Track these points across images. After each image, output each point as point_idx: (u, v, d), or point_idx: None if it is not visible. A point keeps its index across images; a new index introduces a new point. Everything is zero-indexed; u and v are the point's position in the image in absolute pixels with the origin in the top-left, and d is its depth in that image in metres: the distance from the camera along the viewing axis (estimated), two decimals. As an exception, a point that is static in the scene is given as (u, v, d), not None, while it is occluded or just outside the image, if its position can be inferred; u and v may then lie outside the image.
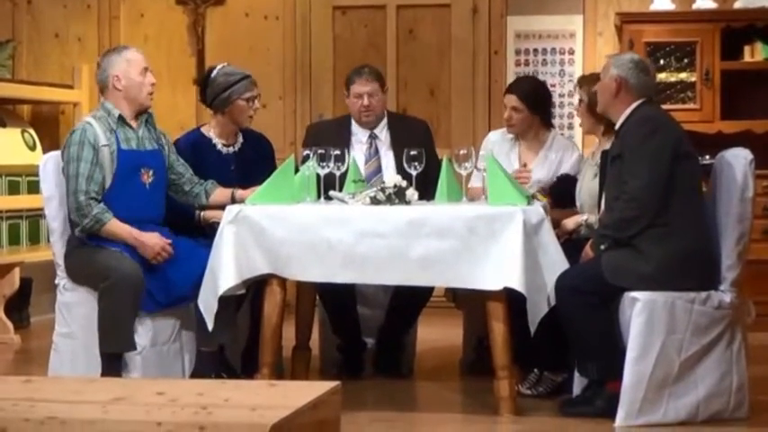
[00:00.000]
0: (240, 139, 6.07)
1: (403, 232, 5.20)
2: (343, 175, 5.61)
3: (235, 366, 5.76)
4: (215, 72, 5.99)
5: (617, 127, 5.33)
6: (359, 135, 6.24)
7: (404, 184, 5.36)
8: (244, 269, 5.31)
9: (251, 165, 5.91)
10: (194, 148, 5.96)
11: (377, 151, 6.21)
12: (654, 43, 7.95)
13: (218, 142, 6.03)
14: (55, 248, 5.62)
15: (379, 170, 6.16)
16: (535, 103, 6.09)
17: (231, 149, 6.04)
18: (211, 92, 5.96)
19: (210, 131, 6.05)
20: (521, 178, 5.82)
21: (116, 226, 5.41)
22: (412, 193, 5.37)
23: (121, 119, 5.54)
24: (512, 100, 6.11)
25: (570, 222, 5.73)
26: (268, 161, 6.00)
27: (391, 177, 5.49)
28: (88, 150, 5.41)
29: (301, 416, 3.41)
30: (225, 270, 5.28)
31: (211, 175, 5.81)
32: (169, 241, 5.43)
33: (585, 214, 5.72)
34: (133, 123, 5.60)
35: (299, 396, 3.51)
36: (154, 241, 5.40)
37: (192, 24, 8.90)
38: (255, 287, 5.56)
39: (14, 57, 8.95)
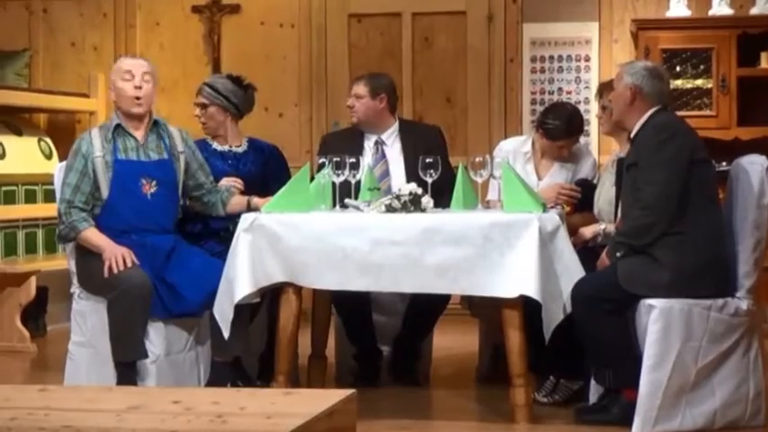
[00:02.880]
0: (244, 146, 6.13)
1: (418, 240, 5.19)
2: (358, 183, 5.61)
3: (251, 374, 5.75)
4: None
5: (632, 135, 5.31)
6: (369, 139, 6.26)
7: (419, 191, 5.36)
8: (259, 277, 5.31)
9: (249, 168, 5.97)
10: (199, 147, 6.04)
11: (384, 155, 6.22)
12: (670, 50, 7.93)
13: (214, 142, 6.11)
14: (70, 257, 5.63)
15: (386, 174, 6.17)
16: (579, 133, 6.12)
17: (228, 148, 6.08)
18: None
19: (209, 138, 6.17)
20: (562, 197, 5.80)
21: (92, 234, 5.42)
22: (427, 201, 5.36)
23: (119, 128, 5.54)
24: (563, 142, 6.06)
25: (588, 231, 5.72)
26: (273, 170, 6.00)
27: (405, 185, 5.48)
28: (79, 161, 5.45)
29: (317, 424, 3.40)
30: (240, 278, 5.28)
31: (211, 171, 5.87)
32: (130, 259, 5.35)
33: (603, 223, 5.71)
34: (138, 133, 5.59)
35: (315, 404, 3.51)
36: (118, 250, 5.35)
37: (208, 33, 8.92)
38: (272, 295, 5.56)
39: (31, 65, 8.98)
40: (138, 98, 5.55)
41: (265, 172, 5.93)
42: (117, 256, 5.32)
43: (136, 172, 5.50)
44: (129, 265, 5.32)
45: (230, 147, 6.09)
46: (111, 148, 5.49)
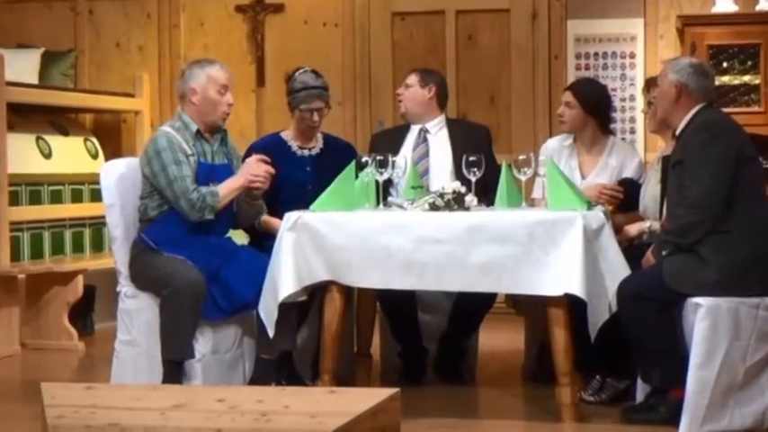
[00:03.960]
0: (320, 144, 6.14)
1: (462, 238, 5.18)
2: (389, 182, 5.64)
3: (302, 374, 5.75)
4: (296, 74, 6.11)
5: (678, 132, 5.28)
6: (413, 130, 6.29)
7: (463, 189, 5.35)
8: (303, 276, 5.32)
9: (328, 170, 5.88)
10: (268, 150, 6.00)
11: (425, 140, 6.22)
12: (716, 46, 7.86)
13: (294, 144, 6.09)
14: (117, 256, 5.66)
15: (425, 155, 6.19)
16: (589, 102, 6.03)
17: (307, 152, 6.09)
18: (287, 91, 6.11)
19: (288, 134, 6.15)
20: (604, 196, 5.77)
21: (223, 188, 5.51)
22: (471, 199, 5.35)
23: (198, 133, 5.58)
24: (566, 95, 6.10)
25: (633, 229, 5.69)
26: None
27: (449, 183, 5.47)
28: (180, 154, 5.48)
29: (361, 423, 3.41)
30: (284, 277, 5.29)
31: (286, 176, 5.86)
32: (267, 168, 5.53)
33: (648, 221, 5.67)
34: (211, 138, 5.64)
35: (359, 403, 3.51)
36: (251, 163, 5.53)
37: (252, 32, 8.94)
38: (323, 294, 5.56)
39: (76, 66, 9.03)
40: (227, 114, 5.65)
41: (341, 171, 5.88)
42: (254, 171, 5.48)
43: (210, 175, 5.54)
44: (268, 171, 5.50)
45: (308, 149, 6.09)
46: (195, 150, 5.54)
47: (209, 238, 5.56)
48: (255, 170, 5.53)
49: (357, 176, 5.54)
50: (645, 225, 5.67)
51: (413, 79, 6.27)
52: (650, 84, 5.93)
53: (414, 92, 6.24)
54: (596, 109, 6.06)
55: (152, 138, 5.61)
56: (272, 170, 5.54)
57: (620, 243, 5.40)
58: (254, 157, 5.60)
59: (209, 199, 5.46)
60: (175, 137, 5.51)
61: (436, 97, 6.25)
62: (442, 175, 6.00)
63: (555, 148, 6.18)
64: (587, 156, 6.11)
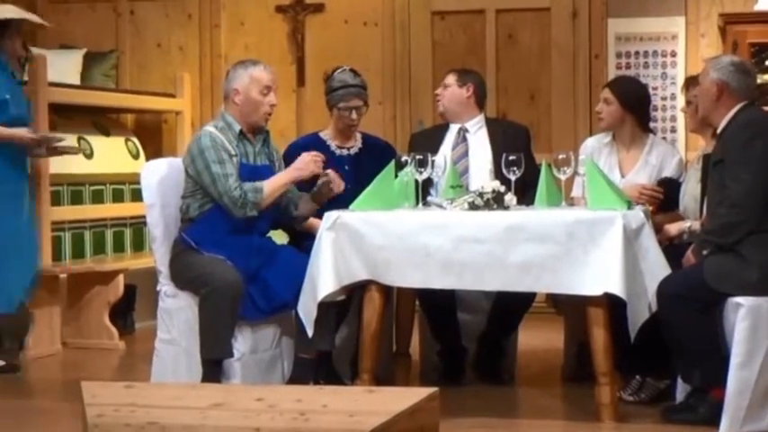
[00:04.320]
0: (359, 144, 6.16)
1: (502, 238, 5.18)
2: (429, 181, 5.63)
3: (341, 373, 5.76)
4: (334, 73, 6.14)
5: (719, 131, 5.25)
6: (452, 130, 6.28)
7: (502, 189, 5.34)
8: (342, 275, 5.33)
9: (367, 169, 5.89)
10: (307, 149, 6.01)
11: (465, 139, 6.21)
12: (759, 44, 7.80)
13: (333, 143, 6.11)
14: (157, 255, 5.69)
15: (465, 155, 6.18)
16: (627, 99, 6.01)
17: (346, 151, 6.10)
18: (326, 90, 6.15)
19: (327, 133, 6.17)
20: (644, 196, 5.74)
21: (271, 183, 5.54)
22: (510, 198, 5.34)
23: (242, 133, 5.60)
24: (604, 92, 6.09)
25: (673, 228, 5.66)
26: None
27: (489, 182, 5.46)
28: (224, 153, 5.50)
29: (399, 422, 3.41)
30: (324, 276, 5.30)
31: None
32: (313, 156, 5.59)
33: (689, 221, 5.64)
34: (251, 138, 5.67)
35: (397, 402, 3.51)
36: (306, 159, 5.58)
37: (292, 32, 8.96)
38: (362, 294, 5.56)
39: (118, 66, 9.08)
40: (270, 114, 5.68)
41: (381, 170, 5.87)
42: (307, 163, 5.53)
43: (251, 176, 5.56)
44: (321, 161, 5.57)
45: (347, 148, 6.11)
46: (238, 151, 5.56)
47: (251, 238, 5.58)
48: (306, 162, 5.55)
49: (396, 176, 5.54)
50: (685, 225, 5.64)
51: (451, 79, 6.26)
52: (690, 83, 5.90)
53: (452, 91, 6.24)
54: (635, 106, 6.03)
55: (196, 137, 5.64)
56: (320, 161, 5.58)
57: (661, 243, 5.38)
58: (307, 154, 5.62)
59: (251, 195, 5.47)
60: (219, 136, 5.54)
61: (474, 97, 6.25)
62: (481, 175, 5.99)
63: (594, 146, 6.16)
64: (627, 154, 6.09)
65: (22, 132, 6.51)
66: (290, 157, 5.90)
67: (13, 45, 6.64)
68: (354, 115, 6.06)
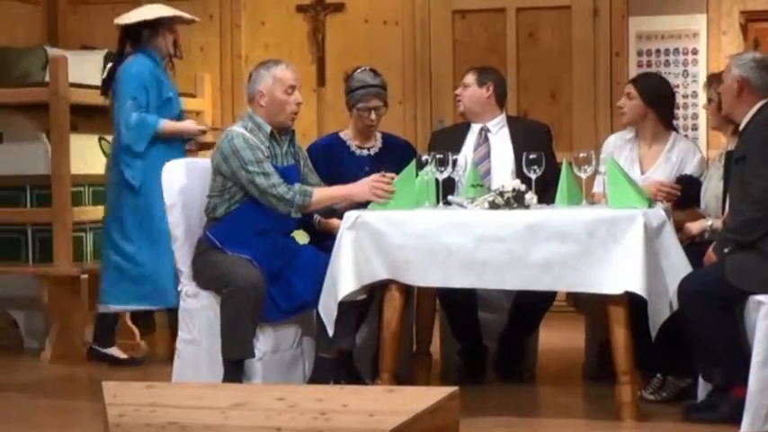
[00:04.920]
0: (378, 143, 6.16)
1: (522, 236, 5.17)
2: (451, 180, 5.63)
3: (362, 373, 5.76)
4: (355, 72, 6.14)
5: (741, 128, 5.24)
6: (473, 129, 6.27)
7: (522, 187, 5.33)
8: (363, 274, 5.33)
9: (387, 170, 5.85)
10: (328, 150, 6.08)
11: (486, 139, 6.20)
12: (780, 41, 7.78)
13: (353, 144, 6.11)
14: (178, 255, 5.69)
15: (487, 156, 6.17)
16: (650, 95, 6.00)
17: (366, 152, 6.10)
18: (345, 90, 6.15)
19: (347, 134, 6.17)
20: (661, 193, 5.72)
21: (322, 197, 5.54)
22: (531, 197, 5.34)
23: (272, 134, 5.60)
24: (628, 87, 6.11)
25: (694, 227, 5.64)
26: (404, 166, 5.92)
27: (509, 181, 5.46)
28: (260, 153, 5.50)
29: (419, 421, 3.41)
30: (344, 275, 5.31)
31: (345, 176, 5.86)
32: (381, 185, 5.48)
33: (710, 219, 5.62)
34: (279, 139, 5.67)
35: (418, 402, 3.52)
36: (365, 188, 5.49)
37: (313, 31, 8.97)
38: (383, 293, 5.56)
39: (139, 67, 9.09)
40: (296, 113, 5.66)
41: (401, 170, 5.87)
42: (377, 186, 5.45)
43: (282, 177, 5.54)
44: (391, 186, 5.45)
45: (367, 149, 6.11)
46: (270, 153, 5.57)
47: (276, 238, 5.58)
48: (366, 190, 5.49)
49: (417, 175, 5.54)
50: (707, 223, 5.62)
51: (470, 78, 6.25)
52: (712, 80, 5.88)
53: (472, 92, 6.23)
54: (657, 102, 6.01)
55: (227, 137, 5.57)
56: (382, 192, 5.48)
57: (682, 241, 5.37)
58: (374, 178, 5.51)
59: (299, 198, 5.47)
60: (252, 138, 5.53)
61: (494, 96, 6.23)
62: (504, 175, 5.97)
63: (616, 143, 6.16)
64: (648, 150, 6.07)
65: (189, 125, 6.76)
66: (311, 157, 5.92)
67: (165, 43, 6.79)
68: (373, 116, 6.05)
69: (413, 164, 5.53)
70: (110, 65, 6.76)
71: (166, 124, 6.65)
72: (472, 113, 6.25)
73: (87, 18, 9.28)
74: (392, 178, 5.48)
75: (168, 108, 6.73)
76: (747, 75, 5.18)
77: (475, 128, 6.27)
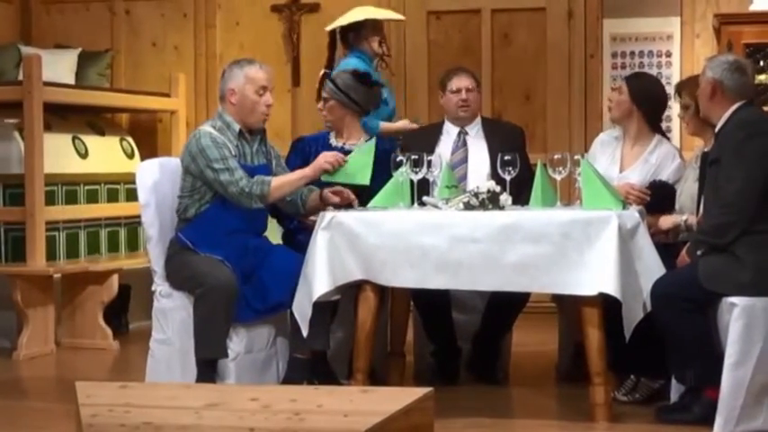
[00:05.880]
0: (362, 142, 6.13)
1: (497, 237, 5.18)
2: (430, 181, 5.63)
3: (338, 373, 5.76)
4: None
5: (716, 130, 5.25)
6: (449, 131, 6.27)
7: (497, 189, 5.34)
8: (337, 275, 5.33)
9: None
10: (310, 144, 6.16)
11: (465, 143, 6.21)
12: (753, 44, 7.81)
13: (334, 139, 6.16)
14: (152, 255, 5.68)
15: (464, 160, 6.16)
16: (638, 93, 6.00)
17: (341, 144, 6.10)
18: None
19: (332, 134, 6.20)
20: (631, 196, 5.73)
21: (281, 182, 5.54)
22: (505, 198, 5.34)
23: (241, 133, 5.59)
24: (620, 82, 6.17)
25: (667, 222, 5.65)
26: (383, 167, 5.90)
27: (484, 182, 5.47)
28: (227, 151, 5.50)
29: (394, 422, 3.41)
30: (319, 276, 5.31)
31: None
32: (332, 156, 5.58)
33: (685, 214, 5.63)
34: (248, 138, 5.67)
35: (392, 402, 3.52)
36: (317, 164, 5.58)
37: (288, 31, 8.96)
38: (357, 293, 5.56)
39: (113, 66, 9.08)
40: (267, 115, 5.66)
41: (378, 170, 5.81)
42: (328, 159, 5.53)
43: (250, 176, 5.54)
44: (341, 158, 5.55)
45: (344, 143, 6.12)
46: (237, 152, 5.56)
47: (247, 239, 5.57)
48: (319, 164, 5.57)
49: (391, 176, 5.55)
50: (681, 218, 5.63)
51: (472, 82, 6.26)
52: (681, 88, 5.88)
53: (478, 97, 6.28)
54: (643, 101, 6.01)
55: (194, 137, 5.59)
56: (334, 162, 5.58)
57: (654, 236, 5.38)
58: (324, 154, 5.63)
59: (257, 188, 5.47)
60: (219, 137, 5.52)
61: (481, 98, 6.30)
62: (479, 181, 5.97)
63: (604, 140, 6.19)
64: (630, 150, 6.08)
65: (405, 124, 6.73)
66: (295, 151, 6.09)
67: (369, 44, 6.81)
68: (321, 105, 6.17)
69: (371, 143, 5.52)
70: (322, 72, 6.74)
71: (385, 126, 6.59)
72: (472, 117, 6.26)
73: (61, 16, 9.26)
74: (344, 159, 5.56)
75: (381, 109, 6.62)
76: (720, 77, 5.19)
77: (451, 129, 6.26)
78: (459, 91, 6.22)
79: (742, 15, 8.03)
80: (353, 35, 6.86)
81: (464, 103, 6.22)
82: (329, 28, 7.07)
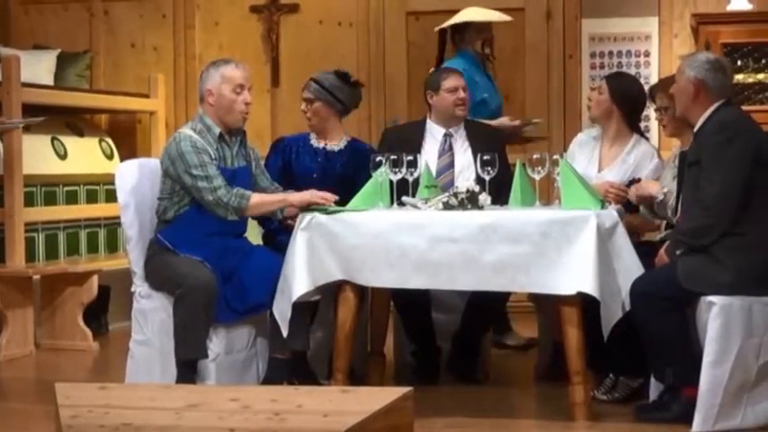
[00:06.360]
0: (342, 144, 6.16)
1: (476, 237, 5.19)
2: (416, 181, 5.62)
3: (318, 373, 5.76)
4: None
5: (696, 129, 5.25)
6: (434, 132, 6.24)
7: (476, 188, 5.35)
8: (317, 275, 5.33)
9: (340, 166, 6.05)
10: (290, 144, 6.16)
11: (451, 147, 6.21)
12: (731, 44, 7.84)
13: (314, 140, 6.16)
14: (131, 256, 5.68)
15: (451, 165, 6.16)
16: (618, 92, 6.02)
17: (322, 145, 6.09)
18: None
19: (312, 135, 6.20)
20: (609, 195, 5.74)
21: (261, 201, 5.54)
22: (485, 198, 5.35)
23: (221, 136, 5.58)
24: (601, 82, 6.19)
25: (654, 188, 5.61)
26: (362, 171, 5.83)
27: (463, 181, 5.48)
28: (206, 156, 5.49)
29: (374, 422, 3.42)
30: (298, 276, 5.31)
31: (296, 165, 6.03)
32: (322, 194, 5.51)
33: (666, 187, 5.60)
34: (228, 140, 5.66)
35: (372, 402, 3.52)
36: (303, 196, 5.52)
37: (267, 32, 8.96)
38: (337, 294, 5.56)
39: (92, 67, 9.06)
40: (246, 113, 5.64)
41: (357, 174, 5.86)
42: (316, 195, 5.47)
43: (231, 180, 5.54)
44: (331, 199, 5.47)
45: (326, 144, 6.12)
46: (217, 155, 5.55)
47: (227, 240, 5.57)
48: (306, 199, 5.51)
49: (371, 176, 5.55)
50: (664, 190, 5.59)
51: (463, 81, 6.27)
52: (655, 91, 5.88)
53: (466, 96, 6.26)
54: (622, 101, 6.02)
55: (174, 140, 5.57)
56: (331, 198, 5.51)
57: (641, 199, 5.48)
58: (314, 194, 5.54)
59: (235, 200, 5.47)
60: (199, 140, 5.52)
61: None
62: (468, 183, 5.95)
63: (583, 140, 6.21)
64: (608, 150, 6.09)
65: (504, 121, 6.72)
66: (276, 151, 6.10)
67: (473, 44, 6.89)
68: (304, 106, 6.14)
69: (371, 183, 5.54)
70: (431, 70, 6.74)
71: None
72: (464, 118, 6.27)
73: (40, 17, 9.24)
74: (334, 200, 5.51)
75: (481, 109, 6.65)
76: (703, 77, 5.18)
77: (435, 131, 6.25)
78: (455, 90, 6.20)
79: (720, 15, 8.07)
80: (458, 36, 6.97)
81: (462, 102, 6.22)
82: (437, 28, 7.17)
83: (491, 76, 7.03)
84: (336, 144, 6.14)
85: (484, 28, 7.00)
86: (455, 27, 6.99)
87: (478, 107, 6.70)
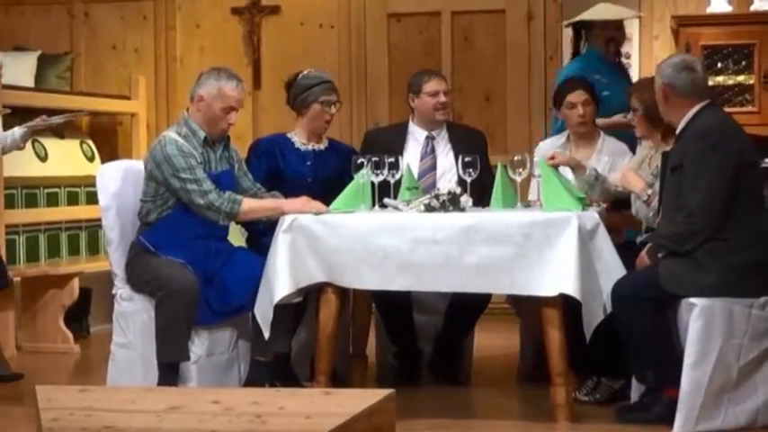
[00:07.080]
0: (324, 145, 6.15)
1: (457, 239, 5.19)
2: (398, 183, 5.62)
3: (300, 375, 5.76)
4: (300, 75, 6.12)
5: (677, 131, 5.25)
6: (416, 135, 6.24)
7: (458, 190, 5.36)
8: (299, 277, 5.33)
9: (329, 168, 6.01)
10: (271, 145, 6.11)
11: (433, 150, 6.21)
12: (711, 46, 7.86)
13: (298, 141, 6.10)
14: (112, 258, 5.66)
15: (433, 168, 6.17)
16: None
17: (311, 147, 6.08)
18: (293, 93, 6.10)
19: (294, 134, 6.14)
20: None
21: (252, 207, 5.53)
22: (466, 200, 5.36)
23: (206, 140, 5.57)
24: (581, 95, 6.10)
25: (640, 183, 5.59)
26: (346, 173, 5.82)
27: (445, 183, 5.48)
28: (193, 160, 5.48)
29: (356, 423, 3.42)
30: (280, 278, 5.30)
31: (287, 170, 5.97)
32: (317, 206, 5.47)
33: (649, 190, 5.59)
34: (212, 145, 5.65)
35: (354, 404, 3.52)
36: (297, 205, 5.47)
37: (248, 34, 8.95)
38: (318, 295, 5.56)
39: (73, 68, 9.04)
40: (226, 131, 5.65)
41: (342, 174, 5.84)
42: (310, 205, 5.43)
43: (215, 184, 5.53)
44: (324, 210, 5.42)
45: (313, 145, 6.11)
46: (202, 159, 5.54)
47: (210, 243, 5.56)
48: (299, 206, 5.48)
49: (352, 177, 5.55)
50: (649, 191, 5.57)
51: (447, 86, 6.27)
52: (632, 91, 5.86)
53: (451, 100, 6.26)
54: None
55: (160, 143, 5.54)
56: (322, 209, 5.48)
57: (625, 187, 5.49)
58: (307, 200, 5.52)
59: (227, 205, 5.46)
60: (185, 144, 5.50)
61: None
62: (450, 184, 5.95)
63: (548, 149, 6.17)
64: (579, 152, 6.10)
65: (619, 119, 6.50)
66: (254, 154, 6.05)
67: (597, 42, 6.82)
68: (333, 110, 6.07)
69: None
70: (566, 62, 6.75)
71: (600, 122, 6.38)
72: (446, 120, 6.28)
73: (21, 19, 9.21)
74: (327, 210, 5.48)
75: (600, 107, 6.45)
76: (669, 80, 5.19)
77: (417, 133, 6.25)
78: (436, 94, 6.18)
79: (700, 17, 8.09)
80: (586, 33, 6.92)
81: (442, 107, 6.20)
82: (566, 23, 7.20)
83: (618, 74, 6.88)
84: (322, 144, 6.15)
85: (608, 26, 6.86)
86: (582, 24, 6.92)
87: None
